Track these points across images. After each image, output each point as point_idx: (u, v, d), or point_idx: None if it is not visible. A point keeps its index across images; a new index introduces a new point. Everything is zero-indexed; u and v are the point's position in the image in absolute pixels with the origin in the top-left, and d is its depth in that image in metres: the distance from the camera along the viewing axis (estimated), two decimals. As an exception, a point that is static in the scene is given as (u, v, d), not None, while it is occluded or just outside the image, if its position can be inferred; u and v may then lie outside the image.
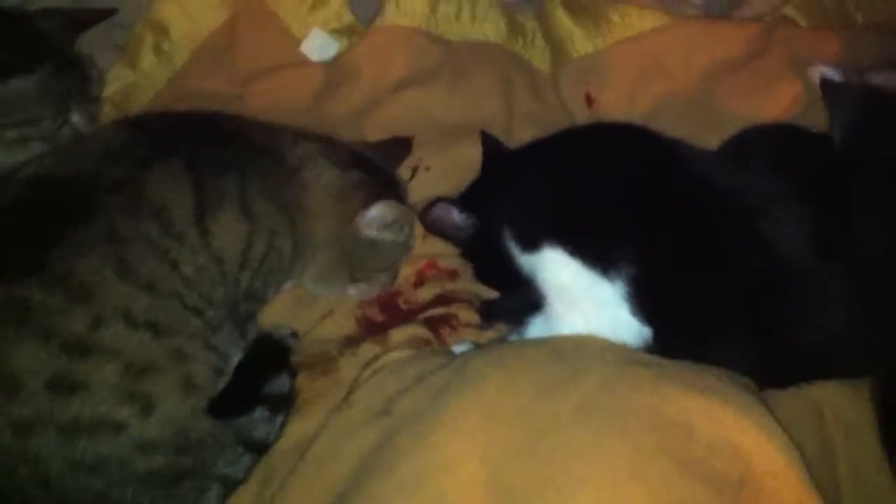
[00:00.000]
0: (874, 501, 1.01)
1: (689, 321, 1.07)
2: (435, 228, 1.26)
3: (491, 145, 1.37)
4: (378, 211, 1.23)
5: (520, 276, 1.15)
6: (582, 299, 1.07)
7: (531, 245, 1.11)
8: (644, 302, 1.04)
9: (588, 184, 1.12)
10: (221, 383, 1.09)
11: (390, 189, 1.31)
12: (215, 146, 1.18)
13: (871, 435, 1.03)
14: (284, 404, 1.15)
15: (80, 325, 0.98)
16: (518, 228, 1.14)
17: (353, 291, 1.31)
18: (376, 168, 1.32)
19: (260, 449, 1.11)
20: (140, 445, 0.99)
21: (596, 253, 1.06)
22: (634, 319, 1.05)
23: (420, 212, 1.26)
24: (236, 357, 1.14)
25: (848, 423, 1.05)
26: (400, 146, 1.42)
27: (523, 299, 1.17)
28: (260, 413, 1.12)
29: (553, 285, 1.10)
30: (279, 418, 1.13)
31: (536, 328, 1.13)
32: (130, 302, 1.02)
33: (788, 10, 1.58)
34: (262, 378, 1.15)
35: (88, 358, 0.98)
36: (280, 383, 1.16)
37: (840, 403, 1.06)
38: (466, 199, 1.26)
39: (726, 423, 0.92)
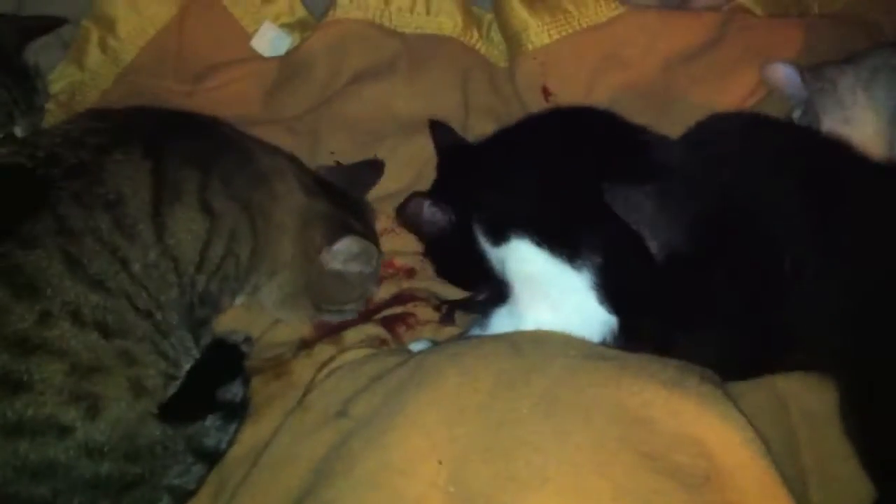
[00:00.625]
0: (840, 492, 1.00)
1: (654, 310, 1.06)
2: (409, 224, 1.24)
3: (442, 134, 1.36)
4: (344, 245, 1.20)
5: (487, 272, 1.14)
6: (549, 289, 1.06)
7: (499, 238, 1.10)
8: (610, 290, 1.03)
9: (552, 172, 1.11)
10: (172, 389, 1.06)
11: (357, 217, 1.27)
12: (180, 137, 1.16)
13: (835, 426, 1.02)
14: (237, 412, 1.12)
15: (26, 321, 0.95)
16: (486, 222, 1.12)
17: (325, 318, 1.28)
18: (342, 195, 1.29)
19: (211, 458, 1.08)
20: (87, 450, 0.96)
21: (562, 242, 1.05)
22: (601, 308, 1.04)
23: (396, 207, 1.24)
24: (188, 365, 1.11)
25: (813, 414, 1.04)
26: (371, 169, 1.40)
27: (487, 293, 1.15)
28: (212, 421, 1.09)
29: (520, 276, 1.09)
30: (232, 427, 1.10)
31: (500, 321, 1.11)
32: (80, 299, 0.98)
33: (744, 1, 1.57)
34: (216, 383, 1.11)
35: (33, 356, 0.94)
36: (233, 390, 1.13)
37: (804, 395, 1.05)
38: (438, 194, 1.25)
39: (689, 417, 0.90)
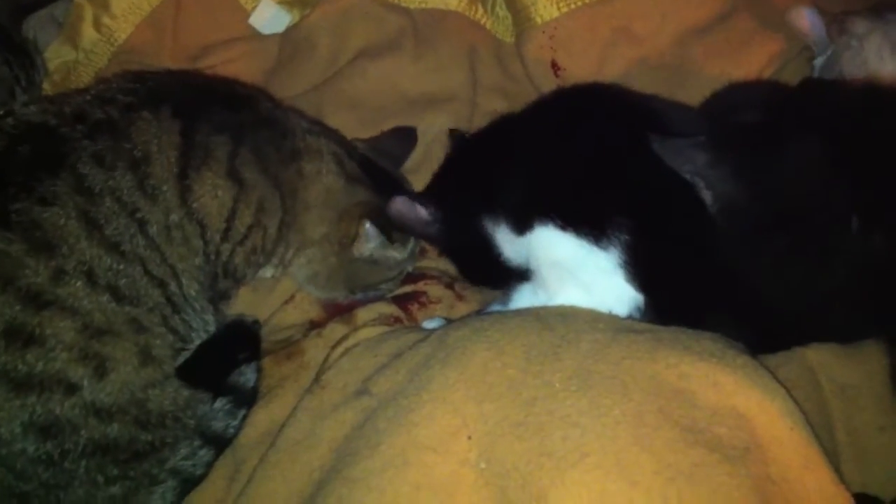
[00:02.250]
0: (874, 464, 0.98)
1: (683, 285, 1.03)
2: (400, 225, 1.20)
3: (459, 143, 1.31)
4: (374, 233, 1.18)
5: (506, 266, 1.11)
6: (578, 271, 1.03)
7: (523, 226, 1.07)
8: (639, 267, 1.00)
9: (567, 153, 1.08)
10: (180, 360, 1.06)
11: None
12: (214, 104, 1.15)
13: (867, 398, 1.00)
14: (248, 398, 1.11)
15: (41, 276, 0.95)
16: (507, 213, 1.09)
17: (358, 297, 1.26)
18: (384, 176, 1.26)
19: (218, 443, 1.06)
20: (94, 410, 0.96)
21: (587, 223, 1.02)
22: (629, 286, 1.01)
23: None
24: (199, 341, 1.10)
25: (843, 386, 1.02)
26: (405, 137, 1.37)
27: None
28: (221, 404, 1.08)
29: (547, 262, 1.06)
30: (240, 413, 1.09)
31: (524, 298, 1.08)
32: (94, 261, 0.98)
33: (757, -29, 1.54)
34: (231, 358, 1.10)
35: (45, 311, 0.94)
36: (247, 374, 1.12)
37: (836, 367, 1.03)
38: (434, 192, 1.23)
39: (728, 388, 0.88)
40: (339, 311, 1.23)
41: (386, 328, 1.13)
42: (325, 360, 1.09)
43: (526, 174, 1.09)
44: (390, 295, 1.26)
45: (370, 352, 1.04)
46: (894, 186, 0.97)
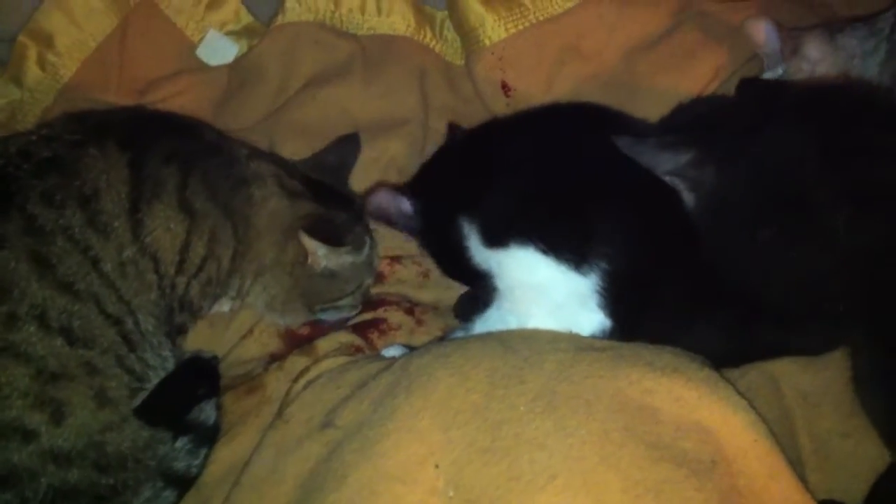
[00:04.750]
0: (837, 470, 0.99)
1: (654, 314, 1.04)
2: (379, 216, 1.22)
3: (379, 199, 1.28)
4: (315, 243, 1.17)
5: (474, 268, 1.11)
6: (552, 294, 1.03)
7: (496, 242, 1.07)
8: (614, 296, 1.01)
9: (553, 174, 1.08)
10: (138, 401, 1.04)
11: (343, 208, 1.24)
12: (160, 134, 1.14)
13: (829, 405, 1.02)
14: (209, 436, 1.09)
15: None
16: (482, 225, 1.09)
17: (322, 318, 1.25)
18: (328, 190, 1.25)
19: (181, 484, 1.05)
20: (53, 456, 0.95)
21: (570, 248, 1.02)
22: (601, 312, 1.02)
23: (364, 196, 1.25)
24: (157, 379, 1.08)
25: (805, 394, 1.03)
26: (348, 144, 1.36)
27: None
28: (182, 443, 1.07)
29: (519, 282, 1.06)
30: (202, 451, 1.08)
31: (488, 324, 1.08)
32: (46, 302, 0.97)
33: (699, -16, 1.57)
34: (193, 396, 1.09)
35: None
36: (207, 411, 1.10)
37: (797, 376, 1.04)
38: (417, 184, 1.23)
39: (691, 403, 0.89)
40: (299, 343, 1.22)
41: (347, 358, 1.12)
42: (287, 393, 1.07)
43: (507, 188, 1.09)
44: (351, 322, 1.25)
45: (333, 383, 1.03)
46: (880, 178, 0.98)
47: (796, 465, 0.96)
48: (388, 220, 1.22)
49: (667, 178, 1.01)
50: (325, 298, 1.22)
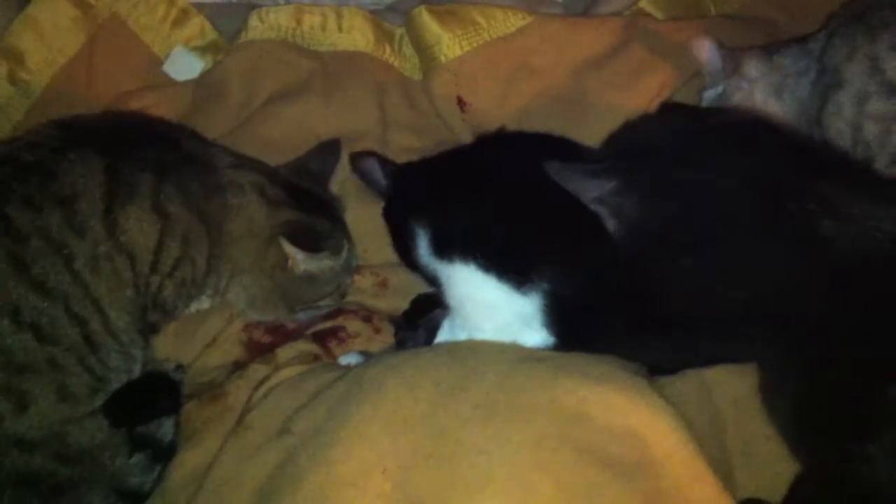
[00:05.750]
0: (762, 470, 1.04)
1: (595, 329, 1.07)
2: (361, 176, 1.36)
3: (365, 165, 1.37)
4: (294, 248, 1.21)
5: (421, 267, 1.17)
6: (495, 313, 1.07)
7: (443, 255, 1.11)
8: (555, 315, 1.05)
9: (499, 195, 1.11)
10: (99, 400, 1.09)
11: (323, 213, 1.28)
12: (138, 143, 1.18)
13: (755, 409, 1.06)
14: (164, 453, 1.12)
15: None
16: (430, 236, 1.14)
17: (301, 317, 1.29)
18: (307, 195, 1.29)
19: (133, 499, 1.09)
20: (15, 441, 1.01)
21: (511, 268, 1.05)
22: (545, 331, 1.06)
23: (351, 155, 1.39)
24: (118, 383, 1.12)
25: (736, 398, 1.08)
26: (328, 150, 1.41)
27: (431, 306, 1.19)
28: (137, 459, 1.10)
29: (464, 298, 1.10)
30: (156, 468, 1.11)
31: (443, 338, 1.14)
32: (20, 299, 1.03)
33: (644, 5, 1.63)
34: (156, 406, 1.14)
35: None
36: (165, 427, 1.14)
37: (728, 382, 1.08)
38: (403, 170, 1.32)
39: (621, 409, 0.95)
40: (261, 351, 1.26)
41: (306, 366, 1.16)
42: (249, 400, 1.11)
43: (459, 206, 1.13)
44: (311, 331, 1.28)
45: (291, 391, 1.07)
46: (808, 201, 0.99)
47: (725, 465, 1.02)
48: (368, 184, 1.35)
49: (591, 205, 1.03)
50: (305, 300, 1.26)
